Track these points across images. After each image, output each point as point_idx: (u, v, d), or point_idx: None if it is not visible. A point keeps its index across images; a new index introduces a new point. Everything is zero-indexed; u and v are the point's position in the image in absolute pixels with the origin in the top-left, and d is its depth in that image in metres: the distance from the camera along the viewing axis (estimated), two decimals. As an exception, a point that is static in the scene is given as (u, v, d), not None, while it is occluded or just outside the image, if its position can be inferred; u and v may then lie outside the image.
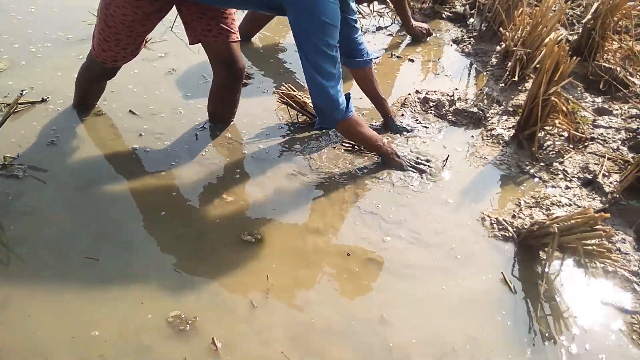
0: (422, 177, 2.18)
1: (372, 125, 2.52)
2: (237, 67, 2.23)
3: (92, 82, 2.36)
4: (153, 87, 2.67)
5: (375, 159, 2.26)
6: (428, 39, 3.49)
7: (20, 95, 2.27)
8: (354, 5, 2.17)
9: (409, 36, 3.54)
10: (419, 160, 2.26)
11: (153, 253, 1.77)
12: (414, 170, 2.21)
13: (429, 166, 2.24)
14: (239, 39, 2.22)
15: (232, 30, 2.17)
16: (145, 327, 1.51)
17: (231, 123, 2.44)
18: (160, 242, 1.82)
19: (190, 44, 2.20)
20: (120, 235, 1.82)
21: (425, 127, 2.53)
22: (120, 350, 1.45)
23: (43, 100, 2.46)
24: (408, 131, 2.48)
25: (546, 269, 1.78)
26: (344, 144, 2.35)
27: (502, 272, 1.78)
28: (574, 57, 2.30)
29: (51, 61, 2.80)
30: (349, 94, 2.07)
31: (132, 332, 1.50)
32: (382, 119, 2.52)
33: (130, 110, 2.46)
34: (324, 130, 2.39)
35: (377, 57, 2.40)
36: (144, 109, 2.49)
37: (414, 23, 3.42)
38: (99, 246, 1.77)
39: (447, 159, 2.29)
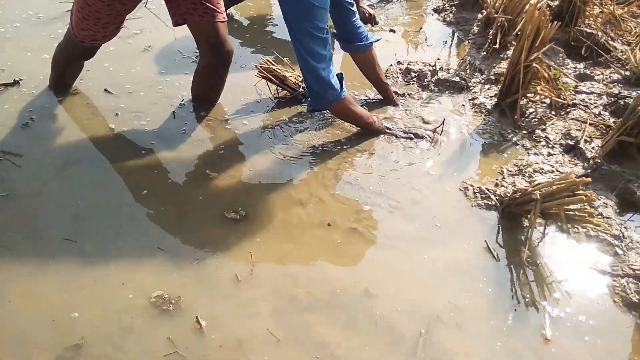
0: (413, 142, 2.21)
1: (369, 99, 2.49)
2: (225, 50, 2.16)
3: (69, 62, 2.29)
4: (129, 64, 2.60)
5: (357, 130, 2.24)
6: (373, 25, 3.28)
7: (-10, 78, 2.20)
8: None
9: (389, 5, 3.49)
10: (407, 129, 2.27)
11: (134, 232, 1.75)
12: (406, 137, 2.23)
13: (421, 132, 2.26)
14: (226, 19, 2.14)
15: (218, 10, 2.08)
16: (127, 308, 1.50)
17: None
18: (141, 221, 1.79)
19: (174, 25, 2.11)
20: (100, 216, 1.80)
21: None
22: (102, 332, 1.43)
23: (15, 83, 2.39)
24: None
25: (529, 236, 1.79)
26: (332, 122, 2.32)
27: (485, 241, 1.78)
28: (555, 22, 2.27)
29: (22, 42, 2.72)
30: (341, 74, 2.05)
31: (114, 314, 1.48)
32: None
33: (105, 89, 2.40)
34: (315, 113, 2.32)
35: (378, 40, 2.34)
36: (120, 87, 2.43)
37: (362, 3, 3.30)
38: (78, 228, 1.74)
39: (442, 124, 2.28)
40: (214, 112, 2.34)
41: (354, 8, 2.19)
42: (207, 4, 2.04)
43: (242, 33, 3.04)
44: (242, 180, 1.99)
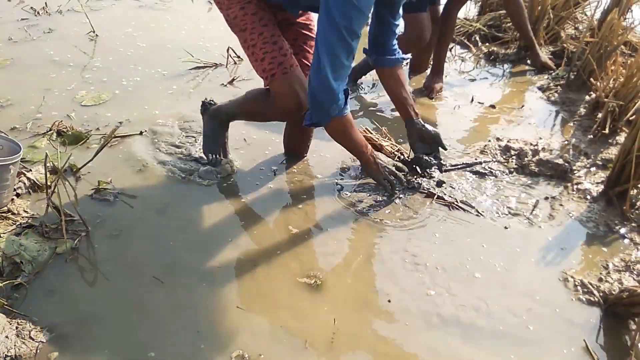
0: (390, 192, 2.15)
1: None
2: None
3: (265, 119, 2.38)
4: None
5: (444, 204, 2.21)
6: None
7: (118, 127, 2.44)
8: (401, 11, 2.12)
9: (492, 81, 3.49)
10: (396, 172, 2.25)
11: (218, 282, 1.81)
12: (386, 184, 2.18)
13: (404, 178, 2.20)
14: None
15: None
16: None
17: (305, 157, 2.49)
18: (224, 272, 1.85)
19: None
20: (190, 262, 1.89)
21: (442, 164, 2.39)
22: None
23: (141, 133, 2.62)
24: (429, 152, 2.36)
25: (636, 341, 1.63)
26: (429, 196, 2.30)
27: (584, 340, 1.65)
28: (674, 113, 2.15)
29: (147, 95, 3.01)
30: (347, 90, 1.95)
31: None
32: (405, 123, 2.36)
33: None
34: (312, 127, 2.20)
35: (408, 59, 2.30)
36: (230, 141, 2.59)
37: (540, 54, 3.45)
38: (169, 271, 1.84)
39: (535, 205, 2.21)
40: (307, 171, 2.41)
41: (397, 31, 2.16)
42: (306, 61, 2.16)
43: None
44: (319, 240, 2.02)
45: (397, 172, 2.30)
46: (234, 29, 2.03)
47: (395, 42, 2.19)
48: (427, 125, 2.32)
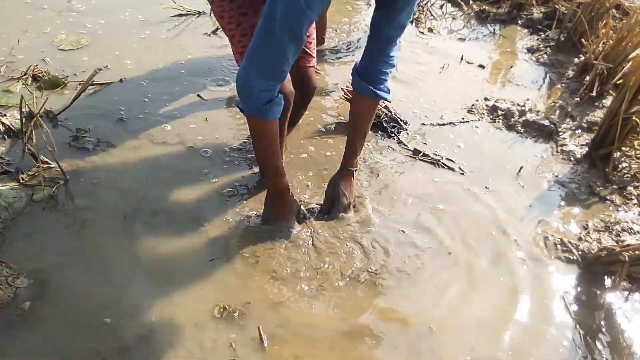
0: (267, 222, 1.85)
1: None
2: (310, 86, 2.14)
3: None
4: (222, 71, 2.71)
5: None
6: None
7: (96, 73, 2.35)
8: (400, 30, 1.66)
9: (482, 40, 3.44)
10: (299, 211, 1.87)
11: (195, 231, 1.81)
12: (271, 211, 1.85)
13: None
14: (314, 63, 2.11)
15: (312, 55, 2.08)
16: (194, 311, 1.55)
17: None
18: (208, 220, 1.85)
19: None
20: (168, 210, 1.88)
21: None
22: (167, 328, 1.49)
23: (121, 81, 2.53)
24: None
25: (610, 299, 1.67)
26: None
27: (562, 296, 1.69)
28: (663, 76, 2.14)
29: (126, 41, 2.89)
30: (280, 98, 1.61)
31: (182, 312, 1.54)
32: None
33: (198, 95, 2.51)
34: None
35: (389, 101, 1.94)
36: (210, 94, 2.53)
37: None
38: (147, 220, 1.83)
39: (520, 170, 2.22)
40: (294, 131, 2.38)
41: (392, 60, 1.76)
42: (305, 49, 2.07)
43: (328, 55, 3.09)
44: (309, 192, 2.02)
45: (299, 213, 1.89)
46: (214, 13, 1.91)
47: (387, 73, 1.79)
48: (346, 191, 1.92)
